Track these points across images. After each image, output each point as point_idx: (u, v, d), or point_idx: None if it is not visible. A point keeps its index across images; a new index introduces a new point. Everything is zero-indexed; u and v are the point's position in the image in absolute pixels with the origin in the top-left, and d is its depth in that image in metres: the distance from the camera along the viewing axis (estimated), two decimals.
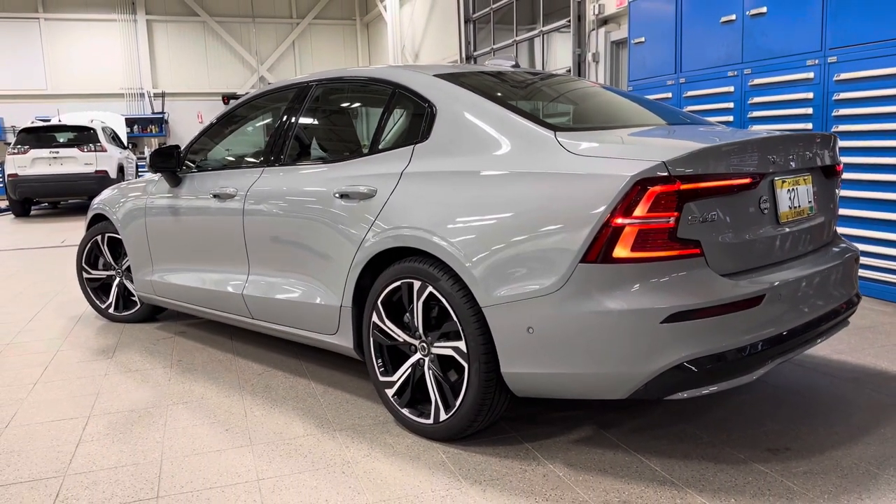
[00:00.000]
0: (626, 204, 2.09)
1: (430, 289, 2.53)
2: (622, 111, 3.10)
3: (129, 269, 4.44)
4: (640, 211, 2.09)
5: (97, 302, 4.70)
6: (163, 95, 19.42)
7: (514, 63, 3.36)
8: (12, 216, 12.80)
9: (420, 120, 2.79)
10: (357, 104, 3.68)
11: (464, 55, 13.19)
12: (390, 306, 2.74)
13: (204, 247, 3.70)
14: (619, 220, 2.10)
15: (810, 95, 4.87)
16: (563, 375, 2.25)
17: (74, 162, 12.24)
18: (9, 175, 12.04)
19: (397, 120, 2.99)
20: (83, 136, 12.60)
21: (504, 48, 12.11)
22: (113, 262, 4.61)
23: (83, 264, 4.70)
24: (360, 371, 3.42)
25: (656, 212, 2.09)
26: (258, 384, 3.34)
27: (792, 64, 5.01)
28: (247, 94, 3.73)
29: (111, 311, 4.64)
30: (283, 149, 3.36)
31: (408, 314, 2.68)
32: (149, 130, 19.22)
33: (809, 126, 4.90)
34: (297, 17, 20.78)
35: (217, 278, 3.64)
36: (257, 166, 3.46)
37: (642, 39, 6.69)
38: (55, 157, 12.19)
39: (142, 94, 19.35)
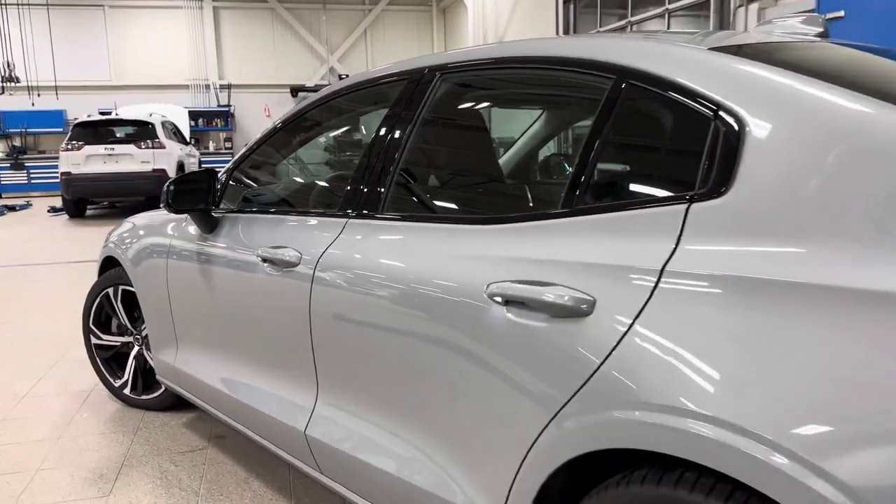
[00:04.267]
0: None
1: None
2: None
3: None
4: None
5: (109, 378, 3.37)
6: (229, 87, 18.40)
7: (822, 30, 1.79)
8: (66, 216, 11.89)
9: (697, 146, 1.26)
10: (533, 109, 2.13)
11: None
12: None
13: (247, 338, 2.28)
14: None
15: None
16: None
17: (130, 160, 11.19)
18: (62, 173, 11.09)
19: (633, 143, 1.46)
20: (141, 132, 11.56)
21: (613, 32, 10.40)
22: (129, 325, 3.27)
23: (90, 325, 3.38)
24: None
25: None
26: None
27: None
28: (318, 87, 2.29)
29: (126, 391, 3.30)
30: (383, 188, 1.89)
31: None
32: (214, 124, 18.21)
33: None
34: (370, 4, 19.41)
35: (265, 393, 2.21)
36: (337, 215, 2.01)
37: (840, 14, 4.96)
38: (110, 155, 11.16)
39: (207, 86, 18.37)
